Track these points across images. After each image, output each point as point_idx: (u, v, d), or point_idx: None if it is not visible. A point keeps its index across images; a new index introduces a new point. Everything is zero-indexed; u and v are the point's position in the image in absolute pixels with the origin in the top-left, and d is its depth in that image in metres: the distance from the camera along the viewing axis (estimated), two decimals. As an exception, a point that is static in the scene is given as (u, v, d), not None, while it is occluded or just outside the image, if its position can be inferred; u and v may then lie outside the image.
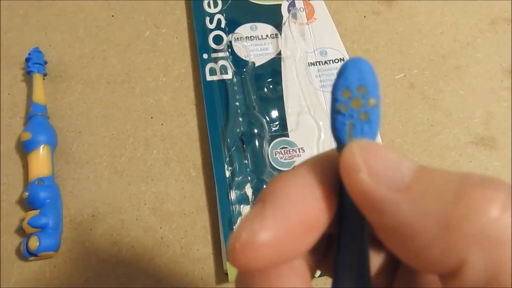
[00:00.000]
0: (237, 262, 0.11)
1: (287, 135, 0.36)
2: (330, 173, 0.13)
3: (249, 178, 0.35)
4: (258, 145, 0.36)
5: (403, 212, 0.11)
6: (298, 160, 0.36)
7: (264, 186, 0.30)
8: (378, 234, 0.12)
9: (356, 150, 0.12)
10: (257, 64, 0.39)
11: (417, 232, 0.11)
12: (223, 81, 0.38)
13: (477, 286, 0.11)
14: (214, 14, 0.40)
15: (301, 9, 0.42)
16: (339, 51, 0.40)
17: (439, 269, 0.11)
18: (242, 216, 0.34)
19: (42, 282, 0.32)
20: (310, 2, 0.42)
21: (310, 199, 0.13)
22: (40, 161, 0.34)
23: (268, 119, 0.37)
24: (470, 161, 0.38)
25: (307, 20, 0.41)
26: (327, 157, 0.14)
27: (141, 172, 0.36)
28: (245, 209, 0.34)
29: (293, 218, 0.12)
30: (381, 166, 0.12)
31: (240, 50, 0.39)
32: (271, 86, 0.38)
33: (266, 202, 0.12)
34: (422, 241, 0.11)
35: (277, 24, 0.41)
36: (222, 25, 0.40)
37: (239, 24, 0.40)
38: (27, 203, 0.33)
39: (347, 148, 0.12)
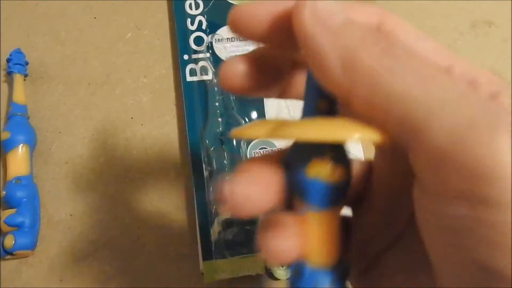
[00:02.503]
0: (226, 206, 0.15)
1: (265, 135, 0.36)
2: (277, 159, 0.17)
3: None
4: (236, 146, 0.36)
5: (323, 47, 0.14)
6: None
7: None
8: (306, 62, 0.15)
9: None
10: (237, 66, 0.39)
11: (326, 65, 0.14)
12: (203, 82, 0.38)
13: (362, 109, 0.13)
14: (196, 15, 0.41)
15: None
16: (319, 53, 0.41)
17: (336, 92, 0.14)
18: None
19: (18, 281, 0.32)
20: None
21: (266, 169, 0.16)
22: (19, 160, 0.34)
23: (247, 120, 0.37)
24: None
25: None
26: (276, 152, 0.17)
27: (120, 172, 0.36)
28: (223, 209, 0.34)
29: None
30: (322, 10, 0.14)
31: (221, 51, 0.39)
32: (250, 87, 0.38)
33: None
34: (329, 74, 0.14)
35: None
36: (203, 27, 0.40)
37: (220, 25, 0.41)
38: (4, 202, 0.33)
39: None
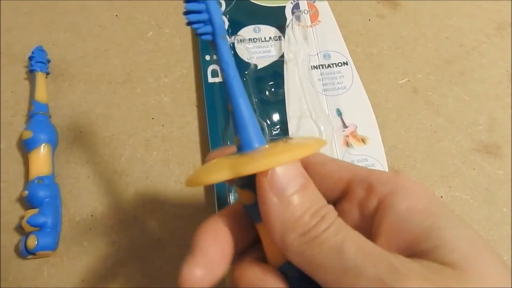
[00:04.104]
0: None
1: (287, 139, 0.36)
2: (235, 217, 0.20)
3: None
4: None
5: (271, 216, 0.18)
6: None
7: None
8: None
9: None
10: (259, 67, 0.39)
11: (271, 230, 0.18)
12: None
13: None
14: (217, 15, 0.40)
15: (305, 11, 0.42)
16: (342, 54, 0.40)
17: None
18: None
19: (39, 280, 0.33)
20: (315, 4, 0.42)
21: (221, 238, 0.20)
22: (41, 160, 0.34)
23: (269, 122, 0.37)
24: (473, 169, 0.37)
25: (311, 22, 0.41)
26: (232, 209, 0.21)
27: (140, 173, 0.36)
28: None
29: (212, 254, 0.19)
30: (280, 177, 0.18)
31: (243, 52, 0.39)
32: (272, 89, 0.38)
33: (193, 249, 0.20)
34: (272, 235, 0.18)
35: (281, 26, 0.40)
36: (226, 27, 0.40)
37: (242, 25, 0.40)
38: (26, 202, 0.33)
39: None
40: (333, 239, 0.17)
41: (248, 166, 0.17)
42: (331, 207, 0.19)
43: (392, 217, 0.18)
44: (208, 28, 0.19)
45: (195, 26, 0.19)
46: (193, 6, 0.19)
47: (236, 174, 0.17)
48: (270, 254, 0.19)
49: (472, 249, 0.16)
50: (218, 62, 0.19)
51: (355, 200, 0.20)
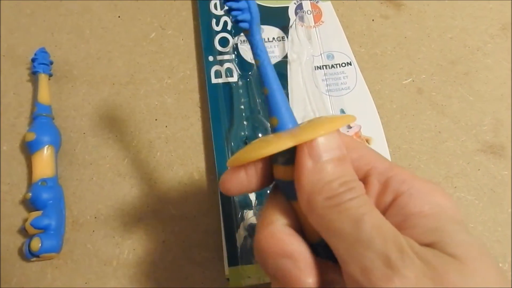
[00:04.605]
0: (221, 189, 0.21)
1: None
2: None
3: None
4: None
5: (302, 181, 0.19)
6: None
7: (268, 191, 0.30)
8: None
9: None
10: (262, 67, 0.38)
11: (299, 194, 0.19)
12: (228, 84, 0.37)
13: None
14: (221, 16, 0.40)
15: (309, 12, 0.41)
16: (346, 55, 0.40)
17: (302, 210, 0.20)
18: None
19: (43, 283, 0.33)
20: (318, 4, 0.42)
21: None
22: (44, 162, 0.34)
23: (272, 123, 0.36)
24: (478, 169, 0.37)
25: (315, 23, 0.41)
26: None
27: (144, 175, 0.36)
28: (248, 213, 0.34)
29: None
30: (320, 145, 0.19)
31: (246, 52, 0.39)
32: (276, 90, 0.38)
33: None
34: (300, 201, 0.20)
35: (284, 26, 0.40)
36: (228, 27, 0.40)
37: (245, 26, 0.40)
38: (30, 204, 0.33)
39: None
40: (355, 209, 0.18)
41: (308, 133, 0.19)
42: (360, 183, 0.19)
43: (400, 218, 0.19)
44: (246, 16, 0.20)
45: (234, 13, 0.20)
46: None
47: (298, 141, 0.19)
48: (306, 231, 0.21)
49: (474, 250, 0.17)
50: (253, 48, 0.21)
51: (371, 191, 0.21)
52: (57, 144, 0.35)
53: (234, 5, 0.20)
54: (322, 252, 0.20)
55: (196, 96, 0.38)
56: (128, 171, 0.36)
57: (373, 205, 0.18)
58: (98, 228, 0.34)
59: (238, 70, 0.38)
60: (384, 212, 0.20)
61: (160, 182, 0.36)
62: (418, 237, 0.18)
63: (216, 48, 0.39)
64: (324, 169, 0.19)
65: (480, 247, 0.18)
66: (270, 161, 0.21)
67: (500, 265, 0.34)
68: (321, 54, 0.40)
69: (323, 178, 0.18)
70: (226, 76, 0.38)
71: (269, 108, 0.21)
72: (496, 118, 0.39)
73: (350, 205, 0.18)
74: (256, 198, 0.34)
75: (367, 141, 0.36)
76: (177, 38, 0.40)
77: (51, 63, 0.38)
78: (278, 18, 0.41)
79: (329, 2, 0.42)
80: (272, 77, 0.21)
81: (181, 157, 0.36)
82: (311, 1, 0.42)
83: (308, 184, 0.19)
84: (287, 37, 0.40)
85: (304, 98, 0.38)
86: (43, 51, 0.37)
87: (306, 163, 0.19)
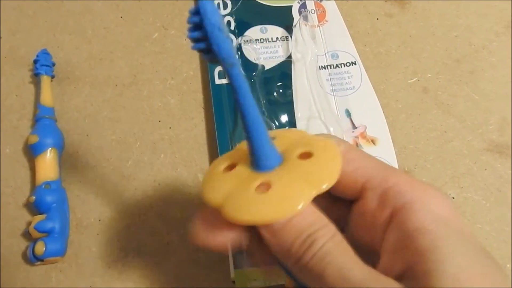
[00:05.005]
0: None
1: (296, 141, 0.36)
2: None
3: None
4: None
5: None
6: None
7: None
8: None
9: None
10: (266, 68, 0.38)
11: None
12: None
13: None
14: (224, 16, 0.40)
15: (312, 11, 0.41)
16: (350, 54, 0.39)
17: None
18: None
19: (47, 287, 0.32)
20: (322, 3, 0.41)
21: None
22: (47, 164, 0.34)
23: (277, 123, 0.36)
24: (485, 169, 0.37)
25: (319, 22, 0.41)
26: None
27: (148, 176, 0.35)
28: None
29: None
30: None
31: (250, 53, 0.38)
32: (280, 90, 0.37)
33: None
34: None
35: (288, 26, 0.40)
36: (232, 27, 0.39)
37: (249, 26, 0.40)
38: (34, 207, 0.33)
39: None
40: (318, 265, 0.18)
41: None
42: (326, 225, 0.19)
43: (399, 235, 0.19)
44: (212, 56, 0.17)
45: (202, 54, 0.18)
46: (194, 35, 0.17)
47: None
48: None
49: (468, 276, 0.16)
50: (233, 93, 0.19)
51: (368, 207, 0.20)
52: (60, 147, 0.35)
53: (197, 47, 0.18)
54: None
55: (199, 97, 0.38)
56: (132, 173, 0.36)
57: (336, 252, 0.18)
58: (103, 230, 0.34)
59: (242, 71, 0.37)
60: (385, 228, 0.19)
61: (164, 184, 0.35)
62: (413, 263, 0.17)
63: (219, 48, 0.38)
64: (281, 237, 0.19)
65: (483, 267, 0.17)
66: None
67: (508, 265, 0.34)
68: (325, 53, 0.39)
69: (282, 247, 0.19)
70: (230, 77, 0.37)
71: (248, 146, 0.20)
72: (502, 117, 0.39)
73: (311, 264, 0.18)
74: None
75: (372, 141, 0.36)
76: (180, 38, 0.40)
77: (53, 64, 0.38)
78: (282, 18, 0.40)
79: (333, 1, 0.42)
80: (254, 120, 0.20)
81: (185, 159, 0.36)
82: (315, 0, 0.42)
83: (279, 255, 0.19)
84: (291, 37, 0.39)
85: (309, 99, 0.37)
86: (45, 52, 0.37)
87: (264, 236, 0.19)
